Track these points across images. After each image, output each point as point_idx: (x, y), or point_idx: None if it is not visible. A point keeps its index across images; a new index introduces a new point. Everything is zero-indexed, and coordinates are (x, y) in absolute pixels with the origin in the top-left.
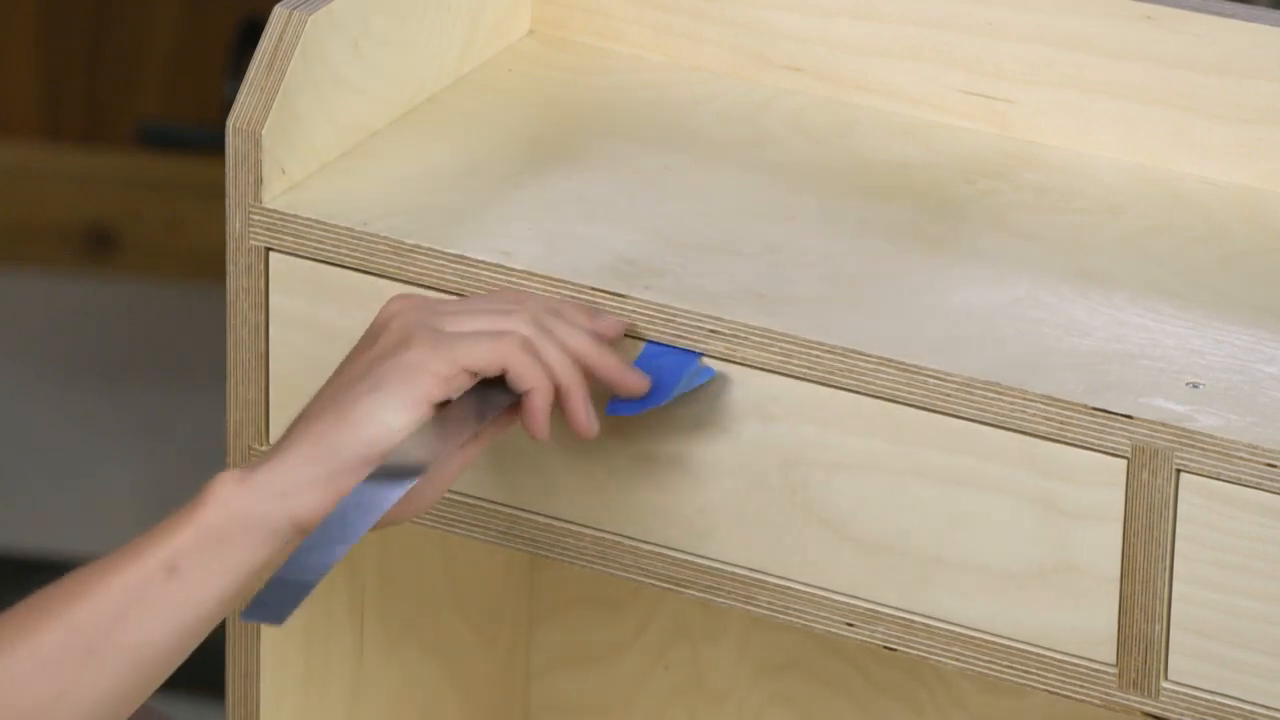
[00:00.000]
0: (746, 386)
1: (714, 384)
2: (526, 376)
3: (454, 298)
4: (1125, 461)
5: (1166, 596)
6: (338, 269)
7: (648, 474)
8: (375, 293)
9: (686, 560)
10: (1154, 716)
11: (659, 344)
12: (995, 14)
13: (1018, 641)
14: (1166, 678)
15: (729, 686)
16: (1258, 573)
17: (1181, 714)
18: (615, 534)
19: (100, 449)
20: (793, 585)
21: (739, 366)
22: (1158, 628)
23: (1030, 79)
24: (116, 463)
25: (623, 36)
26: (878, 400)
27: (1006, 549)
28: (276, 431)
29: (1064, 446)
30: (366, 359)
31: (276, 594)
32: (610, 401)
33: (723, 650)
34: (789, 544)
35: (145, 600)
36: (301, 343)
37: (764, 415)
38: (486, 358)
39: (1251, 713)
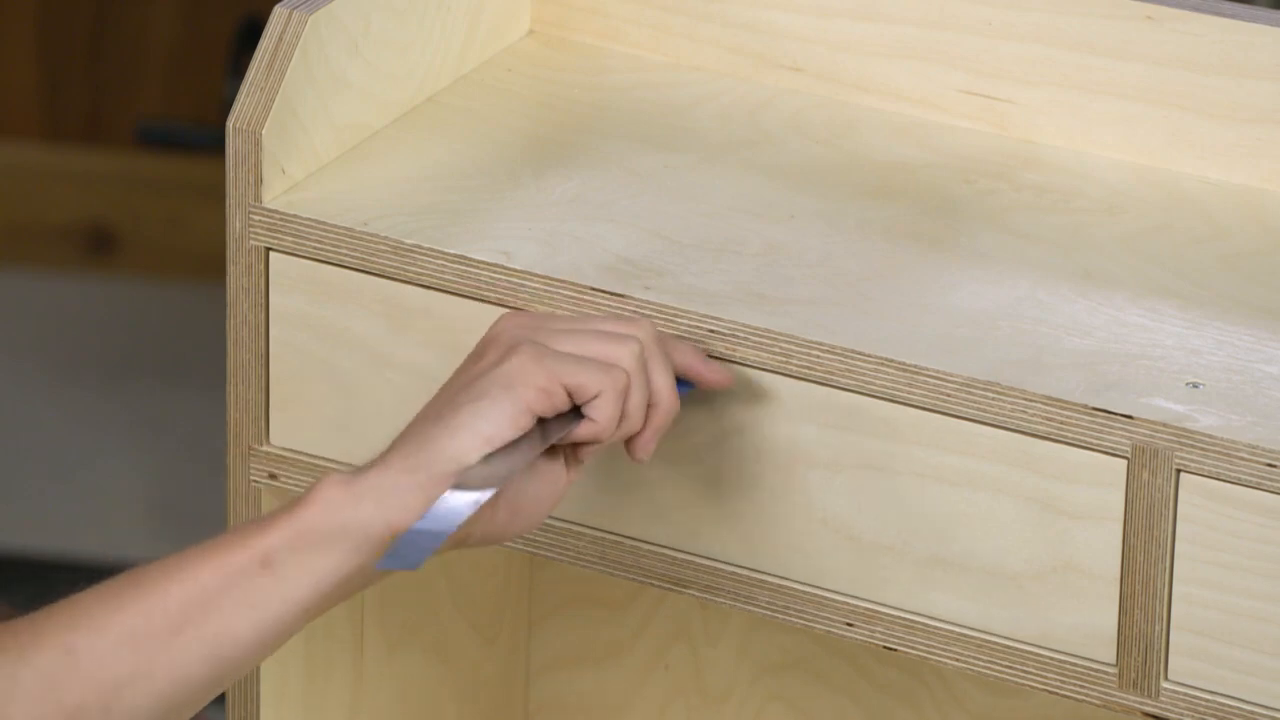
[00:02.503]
0: (747, 386)
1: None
2: (603, 412)
3: (563, 314)
4: (1125, 461)
5: (1166, 596)
6: (338, 269)
7: (648, 474)
8: (375, 292)
9: (687, 560)
10: (1154, 716)
11: None
12: (995, 14)
13: (1017, 641)
14: (1166, 678)
15: (729, 686)
16: (1258, 573)
17: (1181, 714)
18: (615, 534)
19: (100, 449)
20: (793, 585)
21: (739, 366)
22: (1158, 628)
23: (1030, 79)
24: (116, 462)
25: (623, 36)
26: (878, 400)
27: (1006, 549)
28: (277, 431)
29: (1064, 446)
30: (472, 373)
31: (409, 544)
32: None
33: (723, 650)
34: (789, 544)
35: (236, 591)
36: (301, 343)
37: (764, 415)
38: (589, 382)
39: (1251, 713)
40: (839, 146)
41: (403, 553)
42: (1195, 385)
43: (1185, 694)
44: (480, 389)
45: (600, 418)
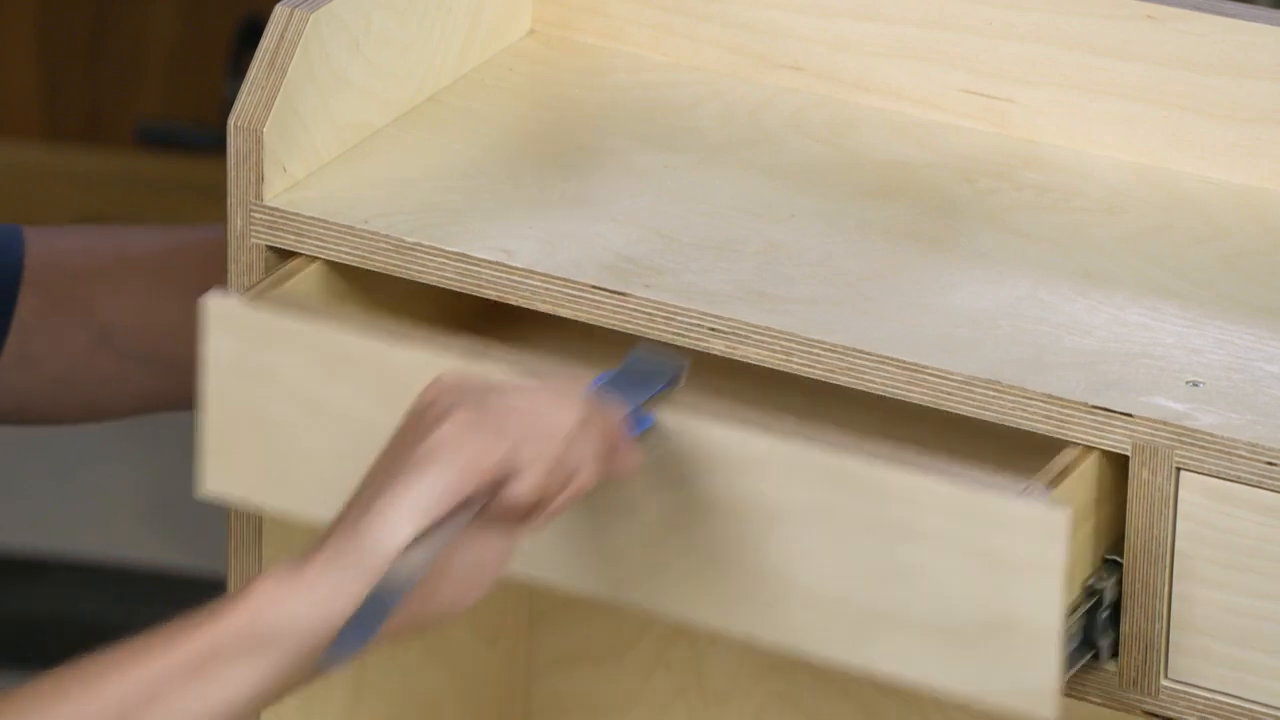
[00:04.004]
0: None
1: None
2: (528, 484)
3: (499, 379)
4: (1125, 460)
5: (1166, 596)
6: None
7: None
8: (311, 340)
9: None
10: (1154, 715)
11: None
12: (995, 14)
13: None
14: (1166, 677)
15: (729, 686)
16: (1258, 572)
17: (1181, 713)
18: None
19: (100, 449)
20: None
21: (738, 366)
22: (1158, 627)
23: (1030, 79)
24: (116, 462)
25: (624, 36)
26: (876, 398)
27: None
28: None
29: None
30: (406, 441)
31: (343, 641)
32: None
33: (723, 650)
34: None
35: (173, 691)
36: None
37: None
38: (520, 455)
39: (1251, 712)
40: (839, 146)
41: (337, 650)
42: (1195, 384)
43: (1185, 693)
44: (414, 462)
45: (526, 489)
